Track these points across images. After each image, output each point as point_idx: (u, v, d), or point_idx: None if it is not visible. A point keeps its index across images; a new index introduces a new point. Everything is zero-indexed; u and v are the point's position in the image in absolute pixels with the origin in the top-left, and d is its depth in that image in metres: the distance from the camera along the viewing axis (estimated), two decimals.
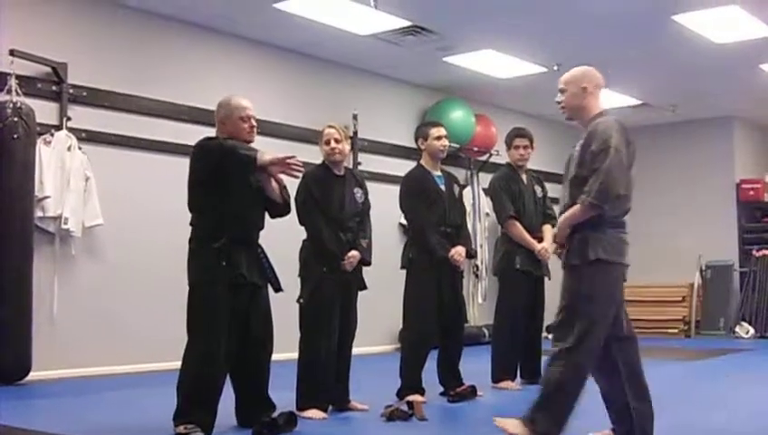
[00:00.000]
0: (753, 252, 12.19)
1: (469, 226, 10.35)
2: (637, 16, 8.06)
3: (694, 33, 8.47)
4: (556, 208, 6.88)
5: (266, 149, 4.52)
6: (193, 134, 6.24)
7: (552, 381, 4.15)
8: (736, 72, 10.10)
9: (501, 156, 10.11)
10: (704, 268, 12.49)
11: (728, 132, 12.78)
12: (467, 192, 10.80)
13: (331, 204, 5.16)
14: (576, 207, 4.03)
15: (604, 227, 4.08)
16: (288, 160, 4.32)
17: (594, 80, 4.31)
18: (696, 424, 4.90)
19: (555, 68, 9.63)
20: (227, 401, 4.57)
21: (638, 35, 8.69)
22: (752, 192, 12.52)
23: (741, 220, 12.65)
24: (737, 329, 11.83)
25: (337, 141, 5.22)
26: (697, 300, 12.36)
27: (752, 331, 11.69)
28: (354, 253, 5.16)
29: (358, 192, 5.31)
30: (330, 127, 5.28)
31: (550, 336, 12.10)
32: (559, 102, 4.33)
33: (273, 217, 4.79)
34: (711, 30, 8.41)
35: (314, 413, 4.95)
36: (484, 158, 11.09)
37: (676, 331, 12.26)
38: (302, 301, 5.13)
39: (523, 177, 6.59)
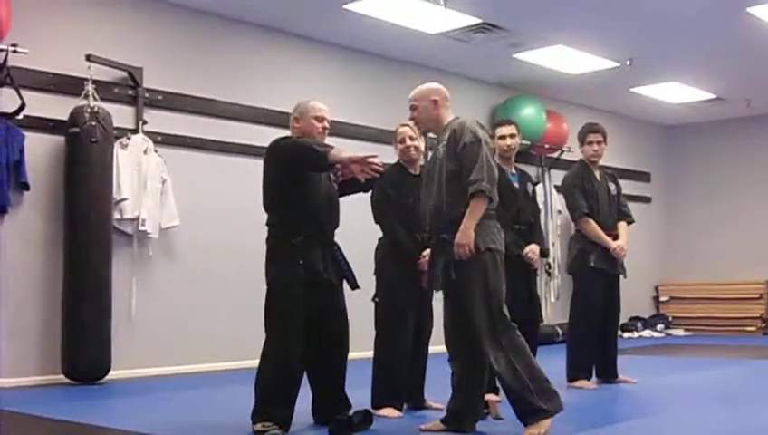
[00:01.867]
0: None
1: (541, 223, 10.37)
2: (710, 9, 7.92)
3: None
4: (630, 205, 6.81)
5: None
6: (266, 136, 6.30)
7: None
8: None
9: (573, 153, 10.02)
10: None
11: None
12: (539, 189, 10.72)
13: (407, 203, 5.15)
14: (473, 202, 4.26)
15: (483, 219, 4.33)
16: (369, 159, 4.34)
17: (442, 93, 4.61)
18: None
19: (627, 63, 9.53)
20: (304, 398, 4.61)
21: (710, 28, 8.52)
22: None
23: None
24: None
25: (412, 139, 5.23)
26: None
27: None
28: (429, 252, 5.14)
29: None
30: (403, 125, 5.28)
31: (625, 335, 12.01)
32: (411, 118, 4.70)
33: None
34: None
35: (390, 412, 4.96)
36: (555, 155, 10.99)
37: (753, 329, 12.02)
38: (377, 299, 5.15)
39: (597, 174, 6.52)
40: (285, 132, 4.80)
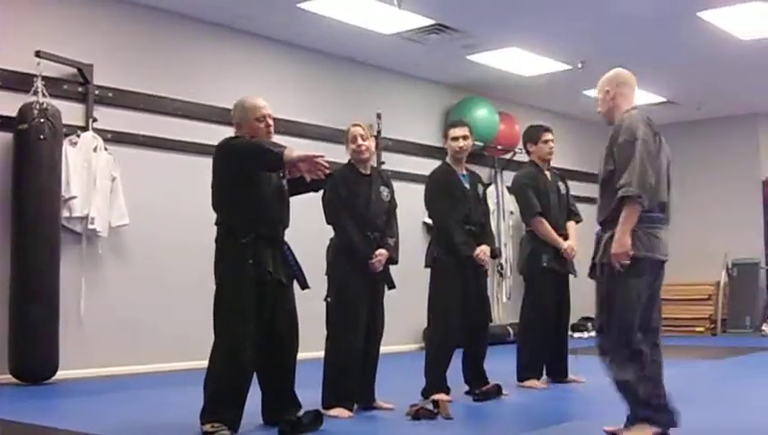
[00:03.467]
0: None
1: (493, 224, 10.42)
2: (662, 13, 8.02)
3: (719, 30, 8.42)
4: (577, 205, 6.88)
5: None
6: (218, 134, 6.25)
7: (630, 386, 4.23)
8: (762, 69, 10.02)
9: (525, 154, 10.08)
10: (730, 267, 12.40)
11: (753, 130, 12.68)
12: (491, 190, 10.79)
13: (358, 203, 5.16)
14: (625, 210, 4.04)
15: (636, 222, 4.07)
16: (316, 159, 4.31)
17: (618, 79, 4.39)
18: (720, 422, 4.87)
19: (579, 66, 9.62)
20: (254, 399, 4.59)
21: (663, 32, 8.64)
22: None
23: (767, 218, 12.54)
24: (764, 327, 11.76)
25: (363, 139, 5.23)
26: (724, 298, 12.28)
27: None
28: (382, 251, 5.15)
29: (384, 191, 5.31)
30: (355, 125, 5.28)
31: (575, 335, 12.13)
32: (599, 113, 4.46)
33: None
34: (737, 26, 8.35)
35: (340, 412, 4.96)
36: (507, 156, 11.06)
37: (702, 329, 12.21)
38: (329, 299, 5.14)
39: (547, 174, 6.57)
40: (230, 130, 4.76)
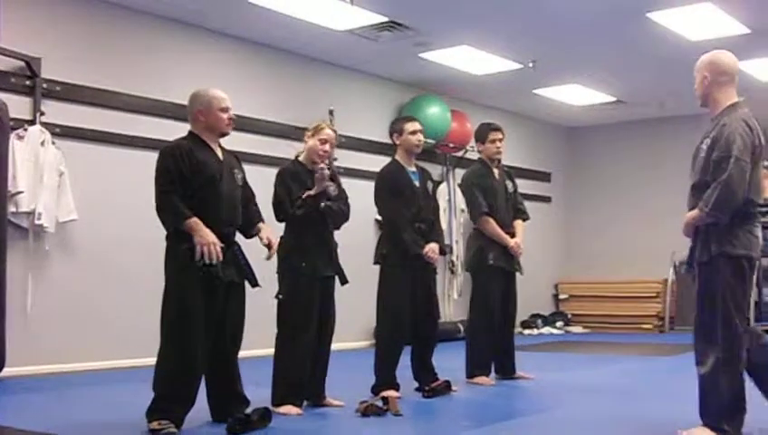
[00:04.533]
0: None
1: (445, 222, 10.47)
2: (611, 14, 8.10)
3: (668, 31, 8.52)
4: (527, 204, 6.94)
5: (242, 145, 4.51)
6: (168, 129, 6.21)
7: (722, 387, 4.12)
8: None
9: (476, 152, 10.14)
10: (678, 264, 12.54)
11: (701, 129, 12.78)
12: (443, 188, 10.84)
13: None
14: (695, 213, 4.13)
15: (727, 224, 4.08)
16: (205, 248, 4.37)
17: (719, 67, 4.25)
18: (667, 418, 4.94)
19: (530, 65, 9.69)
20: (201, 396, 4.57)
21: (612, 33, 8.73)
22: None
23: None
24: None
25: (331, 146, 5.26)
26: (671, 296, 12.44)
27: None
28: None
29: (331, 187, 5.29)
30: (329, 129, 5.30)
31: (525, 332, 12.23)
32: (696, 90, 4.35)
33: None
34: (686, 27, 8.45)
35: (289, 409, 4.95)
36: (459, 154, 11.11)
37: (650, 326, 12.35)
38: (280, 297, 5.13)
39: (495, 172, 6.60)
40: (185, 126, 4.72)
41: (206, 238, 4.36)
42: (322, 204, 5.08)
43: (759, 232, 4.19)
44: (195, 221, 4.38)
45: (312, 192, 5.04)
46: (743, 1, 7.73)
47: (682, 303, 12.39)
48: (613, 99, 11.67)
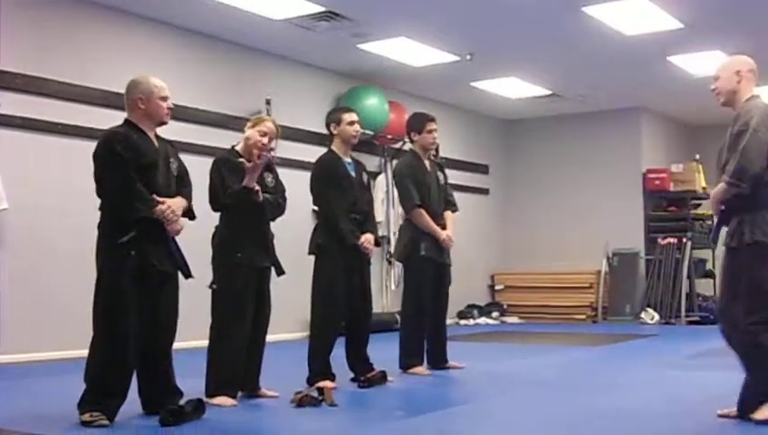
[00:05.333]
0: (659, 240, 12.50)
1: (383, 213, 10.49)
2: (547, 8, 8.18)
3: (604, 25, 8.63)
4: (465, 196, 6.98)
5: (178, 134, 4.45)
6: (104, 118, 6.11)
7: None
8: (645, 64, 10.32)
9: (410, 142, 10.16)
10: (611, 256, 12.77)
11: (636, 123, 13.06)
12: (381, 179, 10.86)
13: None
14: (720, 186, 4.27)
15: (760, 209, 4.22)
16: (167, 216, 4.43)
17: (749, 64, 4.44)
18: (598, 406, 5.02)
19: (468, 57, 9.73)
20: (135, 388, 4.52)
21: (548, 26, 8.81)
22: (658, 182, 12.83)
23: (647, 209, 12.96)
24: (642, 315, 12.12)
25: (270, 139, 5.24)
26: (605, 287, 12.63)
27: (656, 317, 11.99)
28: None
29: (268, 177, 5.29)
30: (271, 122, 5.30)
31: (461, 322, 12.30)
32: (713, 89, 4.50)
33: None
34: (621, 22, 8.57)
35: (223, 400, 4.92)
36: (397, 145, 11.12)
37: (583, 317, 12.54)
38: (214, 286, 5.08)
39: (427, 163, 6.61)
40: (123, 115, 4.65)
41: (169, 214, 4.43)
42: (261, 197, 5.05)
43: None
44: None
45: (245, 183, 5.00)
46: None
47: (615, 293, 12.61)
48: (549, 92, 11.78)
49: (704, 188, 12.94)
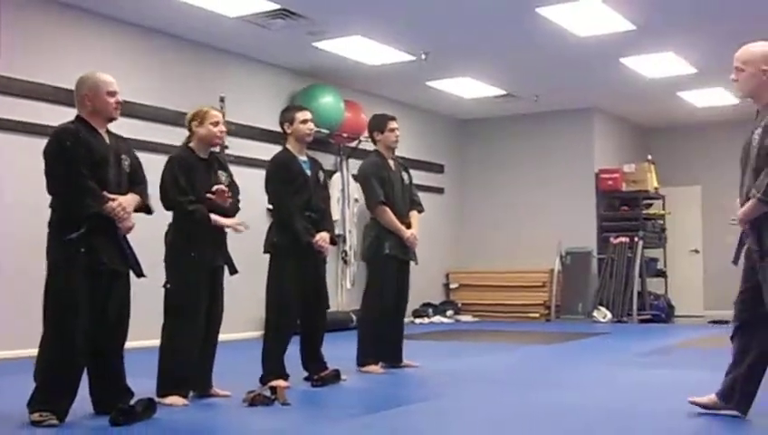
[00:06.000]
0: (611, 239, 12.65)
1: (338, 212, 10.48)
2: (502, 8, 8.22)
3: (557, 26, 8.69)
4: (421, 195, 7.00)
5: (131, 131, 4.41)
6: (55, 114, 6.04)
7: None
8: (598, 66, 10.43)
9: (371, 143, 10.17)
10: (564, 255, 12.88)
11: (589, 123, 13.20)
12: (336, 178, 10.84)
13: (197, 188, 5.07)
14: (749, 203, 4.10)
15: None
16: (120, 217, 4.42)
17: None
18: (552, 403, 5.06)
19: (423, 57, 9.75)
20: (85, 387, 4.48)
21: (502, 27, 8.86)
22: (610, 181, 12.97)
23: (599, 209, 13.11)
24: (595, 313, 12.26)
25: (222, 125, 5.23)
26: (558, 285, 12.74)
27: (608, 315, 12.13)
28: (231, 221, 5.17)
29: (223, 175, 5.25)
30: (215, 109, 5.26)
31: (417, 320, 12.32)
32: (735, 80, 4.29)
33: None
34: (574, 23, 8.64)
35: (175, 400, 4.88)
36: (353, 144, 11.12)
37: (537, 315, 12.64)
38: (168, 286, 5.04)
39: (391, 163, 6.64)
40: (74, 112, 4.60)
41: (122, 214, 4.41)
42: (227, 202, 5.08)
43: None
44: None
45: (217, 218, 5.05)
46: None
47: (568, 292, 12.72)
48: (503, 92, 11.85)
49: (656, 188, 13.13)
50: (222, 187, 5.12)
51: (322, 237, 5.76)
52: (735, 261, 4.44)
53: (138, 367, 4.79)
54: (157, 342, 5.06)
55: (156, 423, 4.41)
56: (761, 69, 4.16)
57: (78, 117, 4.55)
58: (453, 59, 10.16)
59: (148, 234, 4.97)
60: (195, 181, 5.07)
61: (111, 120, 4.59)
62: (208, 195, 5.06)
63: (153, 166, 5.18)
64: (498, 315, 12.79)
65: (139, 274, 4.61)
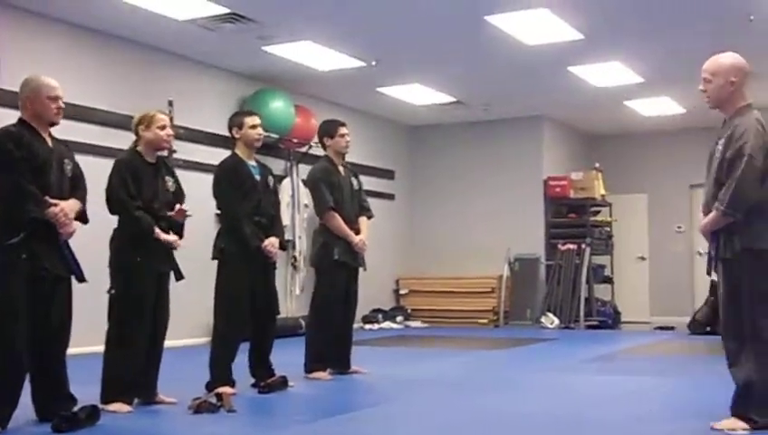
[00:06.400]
0: (559, 246, 12.75)
1: (288, 217, 10.44)
2: (451, 15, 8.25)
3: (506, 35, 8.75)
4: (371, 201, 7.01)
5: (77, 135, 4.36)
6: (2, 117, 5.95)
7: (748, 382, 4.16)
8: (546, 74, 10.52)
9: (321, 148, 10.15)
10: (512, 261, 12.96)
11: (538, 131, 13.31)
12: (286, 183, 10.80)
13: (144, 192, 5.04)
14: (712, 215, 4.17)
15: (748, 217, 4.13)
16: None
17: (743, 70, 4.28)
18: (496, 409, 5.09)
19: (373, 63, 9.76)
20: (28, 394, 4.42)
21: (452, 34, 8.90)
22: (558, 189, 13.08)
23: (548, 215, 13.22)
24: (543, 319, 12.35)
25: (170, 128, 5.20)
26: (506, 291, 12.82)
27: (556, 321, 12.23)
28: (172, 238, 5.12)
29: (169, 181, 5.22)
30: (162, 112, 5.22)
31: (366, 326, 12.30)
32: (703, 91, 4.36)
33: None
34: (522, 32, 8.70)
35: (119, 407, 4.84)
36: (303, 149, 11.09)
37: (485, 321, 12.69)
38: (113, 292, 4.98)
39: (341, 168, 6.64)
40: (17, 114, 4.54)
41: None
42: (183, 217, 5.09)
43: None
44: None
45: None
46: (577, 7, 8.03)
47: (516, 298, 12.81)
48: (453, 99, 11.90)
49: (603, 196, 13.27)
50: (183, 207, 5.10)
51: (272, 243, 5.74)
52: (710, 271, 4.48)
53: (81, 373, 4.74)
54: (101, 348, 5.00)
55: (99, 430, 4.37)
56: (729, 80, 4.25)
57: (21, 120, 4.50)
58: (403, 66, 10.19)
59: (91, 239, 4.91)
60: (142, 185, 5.04)
61: (53, 124, 4.55)
62: (169, 213, 5.05)
63: (101, 170, 5.14)
64: (447, 321, 12.83)
65: (81, 279, 4.57)
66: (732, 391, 4.23)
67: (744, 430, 4.12)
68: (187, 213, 5.15)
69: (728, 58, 4.30)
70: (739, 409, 4.18)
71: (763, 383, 4.10)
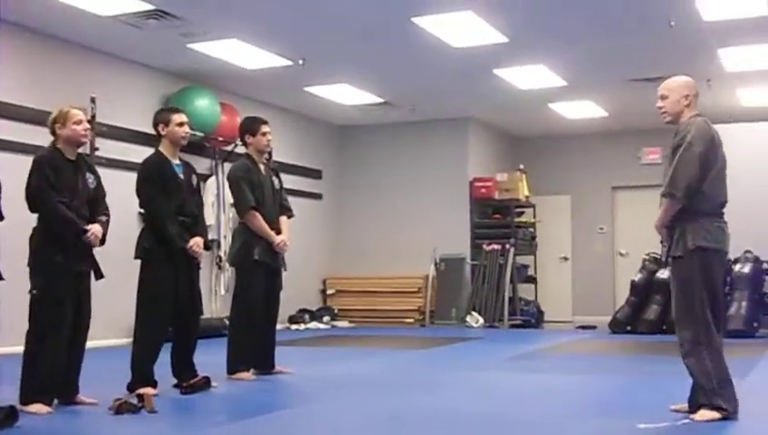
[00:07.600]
0: (484, 246, 12.89)
1: (213, 217, 10.37)
2: (378, 17, 8.29)
3: (433, 37, 8.81)
4: (298, 200, 6.99)
5: None
6: None
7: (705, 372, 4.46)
8: (472, 76, 10.63)
9: (244, 146, 10.08)
10: (438, 261, 13.06)
11: (464, 133, 13.43)
12: (211, 182, 10.72)
13: (64, 189, 4.95)
14: (663, 207, 4.60)
15: (699, 218, 4.51)
16: None
17: (694, 88, 4.74)
18: (420, 407, 5.12)
19: (300, 62, 9.73)
20: None
21: (380, 35, 8.93)
22: (483, 190, 13.22)
23: (473, 216, 13.35)
24: (468, 319, 12.47)
25: (86, 123, 5.11)
26: (432, 291, 12.91)
27: (481, 320, 12.36)
28: (95, 227, 5.05)
29: (90, 178, 5.14)
30: (76, 108, 5.12)
31: (293, 327, 12.26)
32: (660, 108, 4.76)
33: None
34: (449, 34, 8.77)
35: (38, 408, 4.76)
36: (229, 148, 11.01)
37: (412, 320, 12.78)
38: (33, 291, 4.89)
39: (261, 167, 6.60)
40: None
41: None
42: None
43: (728, 229, 4.63)
44: None
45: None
46: (502, 11, 8.13)
47: (442, 298, 12.91)
48: (381, 100, 11.94)
49: (527, 197, 13.45)
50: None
51: (196, 242, 5.69)
52: (665, 263, 4.96)
53: (1, 374, 4.64)
54: (20, 348, 4.90)
55: (17, 432, 4.30)
56: (683, 95, 4.70)
57: None
58: (330, 65, 10.18)
59: (11, 237, 4.82)
60: (63, 182, 4.95)
61: None
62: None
63: (20, 166, 5.04)
64: (374, 321, 12.87)
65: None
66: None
67: (719, 418, 4.39)
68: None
69: (681, 78, 4.80)
70: (702, 399, 4.47)
71: (718, 372, 4.42)
